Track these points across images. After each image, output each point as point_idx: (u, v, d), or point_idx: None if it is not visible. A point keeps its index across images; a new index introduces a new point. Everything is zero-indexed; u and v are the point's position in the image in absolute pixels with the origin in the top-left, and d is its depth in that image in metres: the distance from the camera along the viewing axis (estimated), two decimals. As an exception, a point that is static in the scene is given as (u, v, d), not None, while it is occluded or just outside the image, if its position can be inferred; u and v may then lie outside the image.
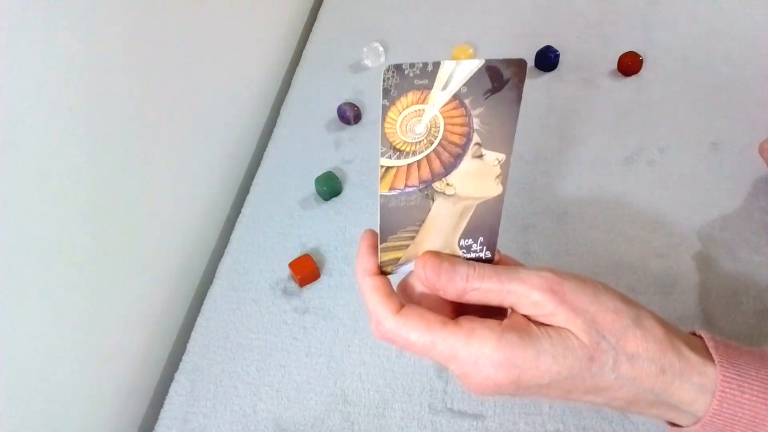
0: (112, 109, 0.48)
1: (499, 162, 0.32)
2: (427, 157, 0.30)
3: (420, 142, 0.29)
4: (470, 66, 0.29)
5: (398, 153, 0.29)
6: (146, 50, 0.52)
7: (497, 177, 0.32)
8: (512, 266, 0.32)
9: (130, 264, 0.53)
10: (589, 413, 0.49)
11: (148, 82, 0.53)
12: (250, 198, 0.66)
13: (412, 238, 0.32)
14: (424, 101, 0.28)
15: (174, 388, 0.53)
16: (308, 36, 0.83)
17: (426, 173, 0.31)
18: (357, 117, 0.71)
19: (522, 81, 0.30)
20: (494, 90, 0.30)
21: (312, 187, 0.65)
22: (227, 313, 0.57)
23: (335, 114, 0.72)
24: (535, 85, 0.73)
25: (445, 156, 0.30)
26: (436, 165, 0.30)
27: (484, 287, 0.31)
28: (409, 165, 0.30)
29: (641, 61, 0.72)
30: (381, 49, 0.76)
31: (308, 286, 0.58)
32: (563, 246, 0.58)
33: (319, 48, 0.81)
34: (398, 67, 0.27)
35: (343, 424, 0.50)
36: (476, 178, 0.31)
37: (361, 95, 0.74)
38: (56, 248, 0.43)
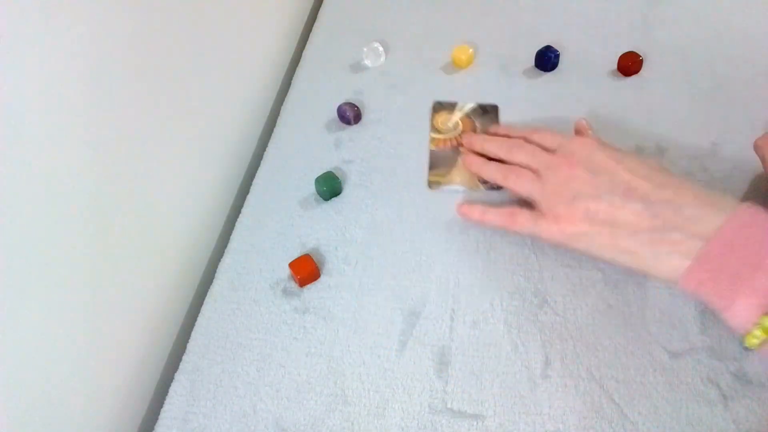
0: (112, 109, 0.48)
1: None
2: (454, 137, 0.66)
3: (450, 130, 0.67)
4: (470, 104, 0.70)
5: (438, 133, 0.67)
6: (146, 50, 0.52)
7: None
8: None
9: (129, 264, 0.53)
10: (589, 413, 0.49)
11: (148, 82, 0.53)
12: (250, 198, 0.66)
13: (448, 173, 0.64)
14: (451, 113, 0.69)
15: (174, 388, 0.53)
16: (308, 36, 0.83)
17: (454, 143, 0.66)
18: (357, 117, 0.71)
19: (496, 112, 0.69)
20: (484, 113, 0.68)
21: (312, 187, 0.65)
22: (227, 313, 0.57)
23: (335, 114, 0.72)
24: (535, 85, 0.73)
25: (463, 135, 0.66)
26: (459, 141, 0.66)
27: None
28: (443, 138, 0.66)
29: (641, 61, 0.72)
30: (381, 49, 0.76)
31: (308, 286, 0.58)
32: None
33: (319, 48, 0.81)
34: (440, 103, 0.70)
35: (343, 424, 0.50)
36: None
37: (361, 95, 0.74)
38: (55, 248, 0.43)
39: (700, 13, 0.79)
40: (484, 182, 0.62)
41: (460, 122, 0.67)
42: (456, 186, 0.63)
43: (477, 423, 0.49)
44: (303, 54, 0.81)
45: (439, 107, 0.68)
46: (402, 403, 0.50)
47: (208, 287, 0.59)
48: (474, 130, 0.66)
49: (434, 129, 0.67)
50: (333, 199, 0.64)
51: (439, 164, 0.64)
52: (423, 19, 0.83)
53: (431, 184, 0.64)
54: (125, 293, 0.52)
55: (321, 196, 0.64)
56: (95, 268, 0.48)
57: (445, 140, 0.65)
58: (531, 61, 0.75)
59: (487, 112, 0.68)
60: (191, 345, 0.55)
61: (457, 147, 0.64)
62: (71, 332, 0.46)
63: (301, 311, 0.57)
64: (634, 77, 0.73)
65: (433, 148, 0.65)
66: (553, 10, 0.82)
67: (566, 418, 0.49)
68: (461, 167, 0.64)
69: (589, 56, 0.76)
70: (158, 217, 0.57)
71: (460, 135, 0.66)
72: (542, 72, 0.75)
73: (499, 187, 0.61)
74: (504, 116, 0.70)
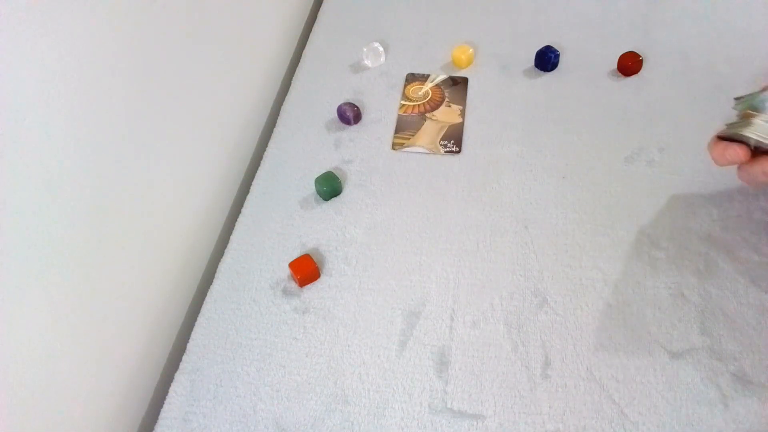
0: (112, 109, 0.48)
1: (460, 108, 0.71)
2: (422, 104, 0.72)
3: (420, 98, 0.73)
4: (441, 76, 0.74)
5: (409, 100, 0.72)
6: (146, 50, 0.52)
7: (459, 114, 0.71)
8: None
9: (129, 264, 0.53)
10: (589, 413, 0.49)
11: (148, 82, 0.53)
12: (250, 198, 0.66)
13: (412, 135, 0.69)
14: (423, 83, 0.74)
15: (174, 388, 0.53)
16: (308, 36, 0.83)
17: (421, 109, 0.72)
18: (357, 117, 0.71)
19: (465, 84, 0.74)
20: (453, 84, 0.74)
21: (312, 187, 0.65)
22: (227, 313, 0.57)
23: (335, 114, 0.72)
24: (535, 85, 0.73)
25: (431, 104, 0.72)
26: (427, 107, 0.72)
27: None
28: (413, 105, 0.72)
29: (641, 61, 0.72)
30: (381, 49, 0.76)
31: (308, 286, 0.58)
32: (562, 245, 0.59)
33: (319, 48, 0.81)
34: (412, 74, 0.75)
35: (343, 424, 0.50)
36: (448, 114, 0.71)
37: (361, 95, 0.74)
38: (56, 248, 0.43)
39: (700, 13, 0.79)
40: (444, 146, 0.67)
41: (429, 91, 0.73)
42: (418, 148, 0.68)
43: (477, 423, 0.49)
44: (303, 54, 0.81)
45: (412, 78, 0.74)
46: (402, 403, 0.50)
47: (208, 287, 0.59)
48: (442, 100, 0.72)
49: (405, 97, 0.73)
50: (333, 199, 0.64)
51: (405, 128, 0.70)
52: (423, 19, 0.83)
53: (395, 146, 0.68)
54: (125, 293, 0.52)
55: (321, 196, 0.64)
56: (95, 268, 0.48)
57: (413, 107, 0.71)
58: (531, 61, 0.75)
59: (457, 83, 0.73)
60: (191, 345, 0.55)
61: (423, 113, 0.71)
62: (71, 332, 0.46)
63: (301, 311, 0.57)
64: (634, 77, 0.73)
65: (402, 113, 0.71)
66: (553, 10, 0.82)
67: (566, 418, 0.49)
68: (425, 131, 0.69)
69: (589, 56, 0.76)
70: (158, 217, 0.57)
71: (427, 102, 0.72)
72: (542, 72, 0.75)
73: (457, 151, 0.67)
74: (504, 116, 0.70)
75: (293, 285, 0.58)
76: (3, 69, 0.37)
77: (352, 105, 0.70)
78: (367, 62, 0.77)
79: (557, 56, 0.73)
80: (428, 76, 0.75)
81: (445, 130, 0.69)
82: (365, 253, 0.60)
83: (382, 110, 0.72)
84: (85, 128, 0.45)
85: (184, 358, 0.55)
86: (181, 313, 0.62)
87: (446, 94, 0.73)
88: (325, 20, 0.85)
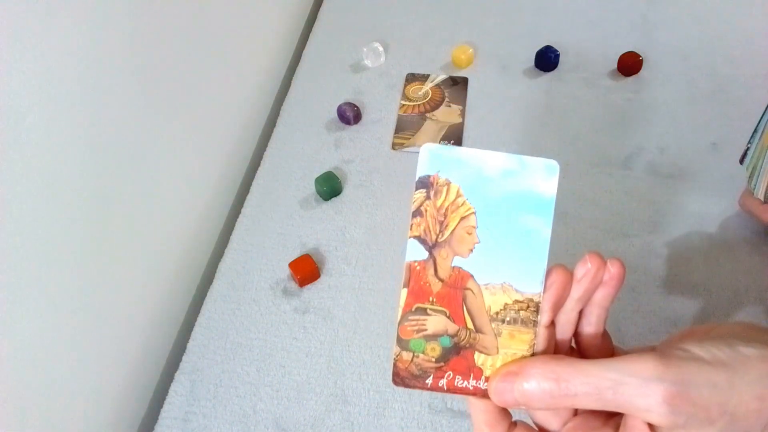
0: (113, 108, 0.48)
1: (460, 108, 0.71)
2: (422, 104, 0.72)
3: (420, 98, 0.73)
4: (441, 76, 0.75)
5: (409, 100, 0.73)
6: (146, 50, 0.52)
7: (459, 114, 0.71)
8: (605, 362, 0.26)
9: (129, 264, 0.53)
10: (589, 413, 0.49)
11: (148, 82, 0.53)
12: (250, 198, 0.66)
13: (412, 135, 0.69)
14: (423, 83, 0.74)
15: (174, 388, 0.53)
16: (308, 36, 0.83)
17: (421, 109, 0.72)
18: (357, 117, 0.71)
19: (465, 84, 0.74)
20: (453, 84, 0.74)
21: (312, 187, 0.65)
22: (227, 313, 0.57)
23: (335, 114, 0.72)
24: (535, 85, 0.73)
25: (431, 104, 0.72)
26: (427, 107, 0.72)
27: (578, 390, 0.26)
28: (413, 105, 0.72)
29: (641, 61, 0.72)
30: (381, 49, 0.76)
31: (308, 286, 0.58)
32: (563, 246, 0.58)
33: (319, 48, 0.81)
34: (412, 74, 0.76)
35: (343, 424, 0.50)
36: (448, 114, 0.71)
37: (361, 95, 0.74)
38: (55, 248, 0.43)
39: (700, 13, 0.79)
40: (445, 144, 0.66)
41: (429, 91, 0.73)
42: (418, 148, 0.67)
43: (477, 423, 0.49)
44: (303, 54, 0.81)
45: (412, 78, 0.75)
46: (402, 403, 0.50)
47: (208, 287, 0.59)
48: (442, 100, 0.72)
49: (405, 97, 0.73)
50: (333, 199, 0.64)
51: (406, 128, 0.70)
52: (423, 19, 0.83)
53: (395, 146, 0.69)
54: (125, 293, 0.52)
55: (321, 196, 0.64)
56: (95, 268, 0.48)
57: (413, 107, 0.72)
58: (531, 61, 0.75)
59: (457, 83, 0.74)
60: (191, 345, 0.55)
61: (423, 113, 0.71)
62: (71, 332, 0.46)
63: (301, 311, 0.57)
64: (634, 77, 0.73)
65: (402, 113, 0.71)
66: (553, 10, 0.82)
67: (566, 418, 0.49)
68: (425, 131, 0.70)
69: (589, 56, 0.76)
70: (158, 217, 0.57)
71: (427, 102, 0.73)
72: (542, 72, 0.75)
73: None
74: (504, 116, 0.70)
75: (293, 285, 0.58)
76: (3, 69, 0.37)
77: (352, 105, 0.70)
78: (367, 62, 0.77)
79: (557, 56, 0.73)
80: (428, 76, 0.75)
81: (445, 130, 0.69)
82: (365, 253, 0.60)
83: (382, 110, 0.72)
84: (85, 128, 0.45)
85: (184, 358, 0.55)
86: (181, 313, 0.62)
87: (446, 94, 0.73)
88: (325, 20, 0.85)
